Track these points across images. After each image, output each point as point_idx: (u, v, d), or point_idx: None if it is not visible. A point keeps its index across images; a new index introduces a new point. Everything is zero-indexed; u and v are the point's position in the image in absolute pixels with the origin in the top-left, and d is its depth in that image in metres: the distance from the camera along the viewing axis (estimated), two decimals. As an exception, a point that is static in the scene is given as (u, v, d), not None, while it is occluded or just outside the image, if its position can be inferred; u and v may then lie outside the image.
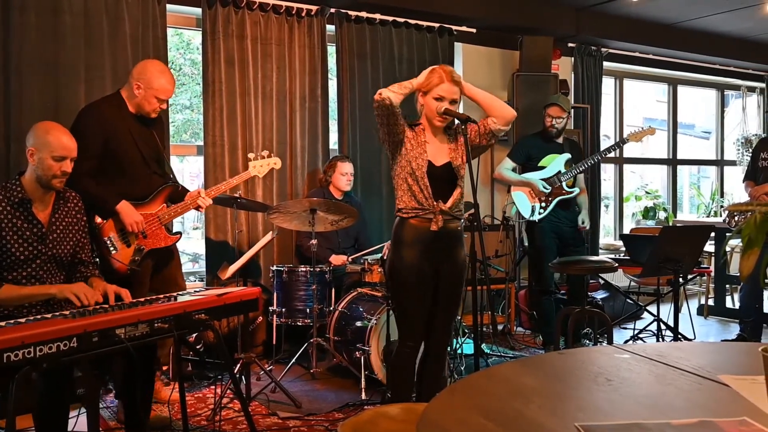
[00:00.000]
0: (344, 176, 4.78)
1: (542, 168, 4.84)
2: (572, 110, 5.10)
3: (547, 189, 4.77)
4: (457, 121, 3.03)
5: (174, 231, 3.67)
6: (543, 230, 4.84)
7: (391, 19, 5.50)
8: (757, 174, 5.04)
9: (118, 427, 3.35)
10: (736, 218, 5.10)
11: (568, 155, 4.81)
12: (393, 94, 2.85)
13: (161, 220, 3.46)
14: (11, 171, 3.97)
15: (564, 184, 4.79)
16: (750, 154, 5.50)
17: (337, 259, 4.61)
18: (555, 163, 4.81)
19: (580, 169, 4.80)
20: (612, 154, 5.89)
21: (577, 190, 4.83)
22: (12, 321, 2.29)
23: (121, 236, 3.37)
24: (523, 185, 4.88)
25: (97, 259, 3.27)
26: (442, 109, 2.88)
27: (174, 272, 3.69)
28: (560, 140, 4.86)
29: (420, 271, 2.92)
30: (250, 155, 4.02)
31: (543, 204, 4.82)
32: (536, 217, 4.84)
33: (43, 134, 2.73)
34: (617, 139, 7.32)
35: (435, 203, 2.90)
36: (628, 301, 5.72)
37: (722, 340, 5.32)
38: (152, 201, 3.47)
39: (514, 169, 4.97)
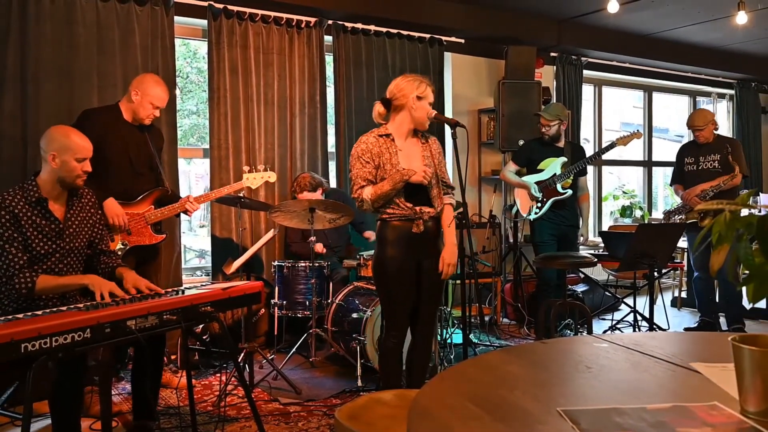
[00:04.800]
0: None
1: (541, 171, 4.85)
2: (566, 114, 5.05)
3: (538, 194, 4.79)
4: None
5: (162, 231, 3.62)
6: (541, 228, 4.86)
7: (384, 30, 5.50)
8: (683, 177, 5.02)
9: (129, 412, 3.34)
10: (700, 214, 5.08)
11: (564, 158, 4.80)
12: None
13: (147, 220, 3.49)
14: (28, 172, 3.96)
15: (559, 185, 4.79)
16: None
17: (317, 247, 4.55)
18: (552, 166, 4.81)
19: (573, 171, 4.77)
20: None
21: (569, 192, 4.79)
22: (29, 313, 2.28)
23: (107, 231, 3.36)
24: (522, 187, 4.91)
25: None
26: (432, 114, 2.86)
27: (150, 272, 3.62)
28: (561, 144, 4.86)
29: (402, 266, 2.91)
30: (245, 168, 4.01)
31: (538, 204, 4.84)
32: (532, 216, 4.87)
33: (63, 138, 2.72)
34: (595, 143, 7.35)
35: (418, 209, 2.89)
36: (607, 293, 5.73)
37: (684, 329, 5.33)
38: (140, 202, 3.50)
39: (517, 172, 4.97)
